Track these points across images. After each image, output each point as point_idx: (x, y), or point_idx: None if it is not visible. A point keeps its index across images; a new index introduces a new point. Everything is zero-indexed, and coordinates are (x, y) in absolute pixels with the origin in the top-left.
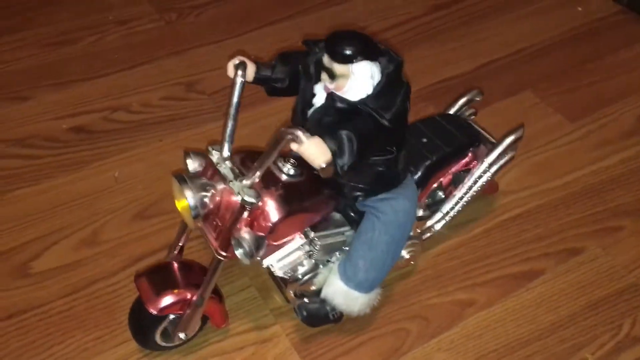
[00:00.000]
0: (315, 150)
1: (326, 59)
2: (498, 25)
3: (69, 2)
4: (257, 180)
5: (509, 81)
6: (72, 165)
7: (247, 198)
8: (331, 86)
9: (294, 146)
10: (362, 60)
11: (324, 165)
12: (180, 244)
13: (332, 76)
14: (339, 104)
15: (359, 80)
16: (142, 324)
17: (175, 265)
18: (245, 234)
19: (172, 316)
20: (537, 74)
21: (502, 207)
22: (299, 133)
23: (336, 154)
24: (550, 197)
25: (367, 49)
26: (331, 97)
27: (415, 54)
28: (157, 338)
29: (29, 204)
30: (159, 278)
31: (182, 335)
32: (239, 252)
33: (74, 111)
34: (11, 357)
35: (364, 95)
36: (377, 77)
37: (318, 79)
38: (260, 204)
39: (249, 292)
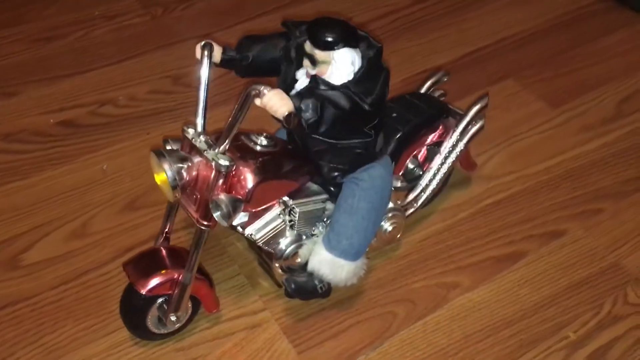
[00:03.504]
0: (277, 101)
1: (308, 46)
2: (481, 15)
3: None
4: (228, 141)
5: (492, 69)
6: (60, 159)
7: (221, 162)
8: (313, 72)
9: (257, 101)
10: (343, 47)
11: (285, 113)
12: (166, 231)
13: (314, 62)
14: (323, 86)
15: (340, 66)
16: (133, 309)
17: (162, 250)
18: (222, 196)
19: (160, 300)
20: (519, 62)
21: (486, 192)
22: (262, 87)
23: (300, 109)
24: (533, 182)
25: (348, 36)
26: (315, 79)
27: (400, 44)
28: (149, 324)
29: (19, 197)
30: (147, 262)
31: (173, 318)
32: (216, 215)
33: (62, 106)
34: (5, 346)
35: (345, 81)
36: (358, 63)
37: (300, 65)
38: (234, 165)
39: (238, 279)
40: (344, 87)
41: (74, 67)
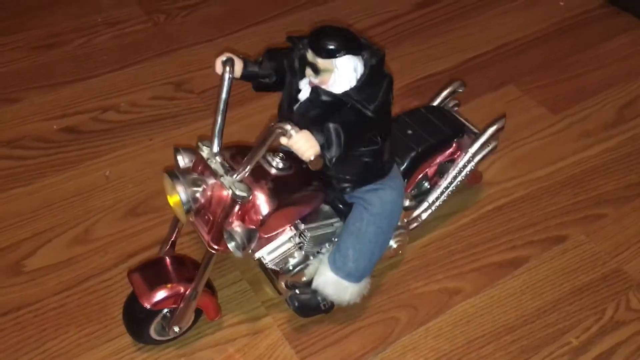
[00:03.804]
0: (304, 144)
1: (310, 55)
2: (482, 21)
3: (59, 5)
4: (247, 174)
5: (493, 75)
6: (63, 165)
7: (238, 192)
8: (316, 81)
9: (283, 140)
10: (345, 54)
11: (312, 158)
12: (172, 240)
13: (316, 71)
14: (324, 97)
15: (342, 74)
16: (136, 319)
17: (168, 260)
18: (237, 227)
19: (165, 310)
20: (520, 68)
21: (487, 198)
22: (288, 127)
23: (324, 146)
24: (535, 187)
25: (350, 43)
26: (316, 90)
27: (401, 50)
28: (152, 332)
29: (22, 203)
30: (152, 273)
31: (176, 329)
32: (231, 245)
33: (65, 112)
34: (8, 352)
35: (347, 89)
36: (360, 70)
37: (303, 75)
38: (250, 198)
39: (241, 285)
40: (346, 95)
41: (77, 74)
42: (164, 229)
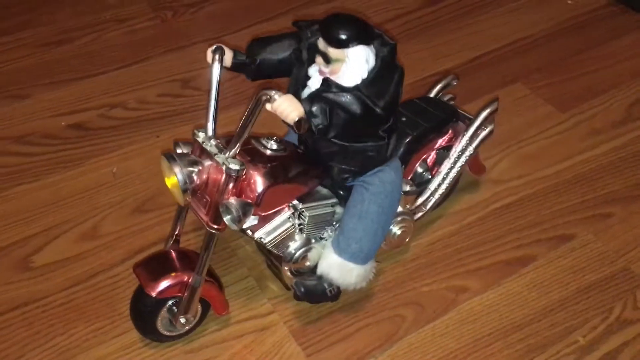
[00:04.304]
0: (288, 106)
1: (321, 43)
2: (490, 19)
3: (67, 2)
4: (239, 146)
5: (500, 73)
6: (71, 161)
7: (231, 166)
8: (326, 70)
9: (268, 106)
10: (357, 44)
11: (296, 119)
12: (176, 234)
13: (328, 60)
14: (335, 89)
15: (354, 64)
16: (143, 312)
17: (172, 253)
18: (232, 200)
19: (171, 302)
20: (528, 66)
21: (494, 196)
22: (272, 92)
23: (311, 113)
24: (542, 186)
25: (363, 33)
26: (327, 82)
27: (409, 48)
28: (159, 325)
29: (30, 199)
30: (157, 264)
31: (182, 320)
32: (227, 219)
33: (72, 109)
34: (16, 347)
35: (359, 80)
36: (372, 61)
37: (311, 62)
38: (244, 170)
39: (247, 282)
40: (356, 89)
41: (85, 70)
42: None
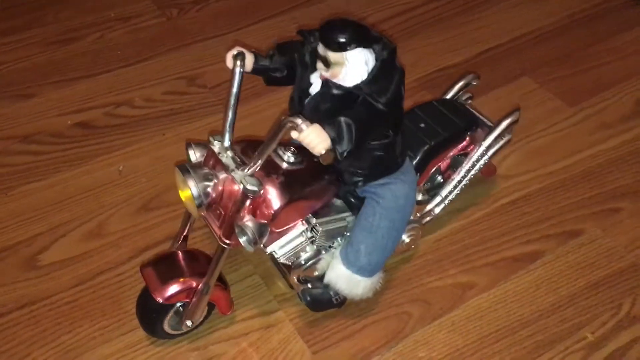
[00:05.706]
0: (315, 138)
1: (321, 48)
2: (496, 13)
3: (72, 1)
4: (258, 169)
5: (508, 67)
6: (77, 160)
7: (249, 187)
8: (327, 74)
9: (294, 134)
10: (356, 47)
11: (323, 152)
12: (184, 234)
13: (327, 64)
14: (335, 91)
15: (353, 67)
16: (149, 313)
17: (180, 254)
18: (248, 221)
19: (178, 304)
20: (536, 60)
21: (502, 191)
22: (299, 121)
23: (335, 140)
24: (550, 181)
25: (361, 36)
26: (327, 84)
27: (414, 43)
28: (165, 326)
29: (37, 198)
30: (165, 267)
31: (188, 323)
32: (242, 240)
33: (79, 107)
34: (23, 346)
35: (358, 82)
36: (372, 63)
37: (314, 68)
38: (262, 192)
39: (253, 279)
40: (357, 88)
41: (91, 69)
42: (177, 224)
